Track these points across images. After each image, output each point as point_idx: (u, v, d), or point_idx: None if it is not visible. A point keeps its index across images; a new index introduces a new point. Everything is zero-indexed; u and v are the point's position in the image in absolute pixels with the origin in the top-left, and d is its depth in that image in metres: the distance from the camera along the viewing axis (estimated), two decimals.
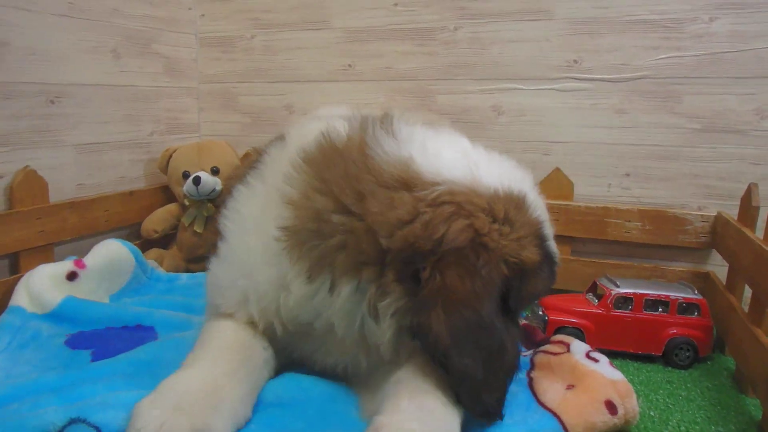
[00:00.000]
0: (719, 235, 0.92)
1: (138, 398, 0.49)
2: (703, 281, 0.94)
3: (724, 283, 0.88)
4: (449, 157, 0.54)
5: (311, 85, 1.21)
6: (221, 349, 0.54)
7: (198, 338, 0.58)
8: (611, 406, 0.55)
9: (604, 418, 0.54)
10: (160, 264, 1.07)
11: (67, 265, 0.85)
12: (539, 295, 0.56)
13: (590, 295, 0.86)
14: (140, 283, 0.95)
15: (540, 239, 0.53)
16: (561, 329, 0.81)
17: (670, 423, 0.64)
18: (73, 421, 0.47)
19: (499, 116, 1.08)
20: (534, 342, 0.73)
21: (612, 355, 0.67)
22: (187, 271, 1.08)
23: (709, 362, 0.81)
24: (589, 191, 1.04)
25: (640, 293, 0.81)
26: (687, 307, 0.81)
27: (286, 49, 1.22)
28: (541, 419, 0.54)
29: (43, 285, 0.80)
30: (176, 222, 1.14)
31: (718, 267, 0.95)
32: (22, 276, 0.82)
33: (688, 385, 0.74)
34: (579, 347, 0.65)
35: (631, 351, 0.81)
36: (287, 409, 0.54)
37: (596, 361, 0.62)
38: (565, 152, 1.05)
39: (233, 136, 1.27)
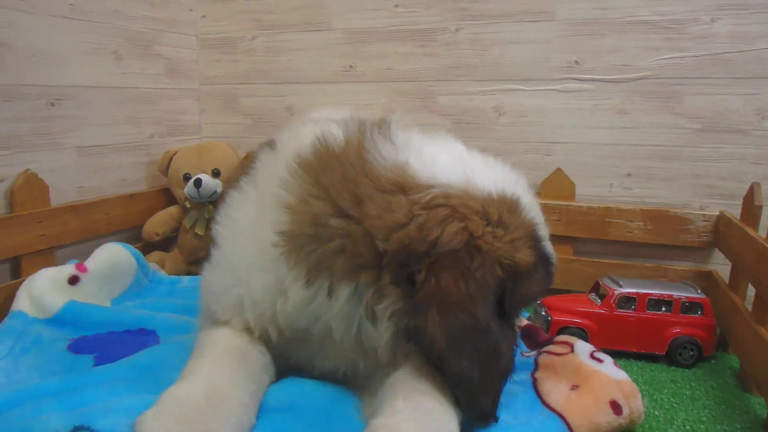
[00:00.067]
0: (721, 234, 0.92)
1: (141, 403, 0.49)
2: (706, 280, 0.94)
3: (727, 282, 0.88)
4: (444, 161, 0.54)
5: (312, 86, 1.21)
6: (220, 357, 0.54)
7: (195, 347, 0.58)
8: (616, 407, 0.55)
9: (608, 418, 0.54)
10: (162, 267, 1.06)
11: (69, 269, 0.85)
12: (535, 296, 0.57)
13: (593, 295, 0.86)
14: (142, 287, 0.95)
15: (534, 241, 0.54)
16: (564, 329, 0.81)
17: (675, 422, 0.64)
18: (77, 429, 0.47)
19: (501, 117, 1.08)
20: (537, 342, 0.73)
21: (615, 354, 0.67)
22: (189, 273, 1.08)
23: (712, 361, 0.81)
24: (590, 191, 1.04)
25: (643, 293, 0.81)
26: (690, 307, 0.81)
27: (287, 50, 1.22)
28: (545, 420, 0.54)
29: (44, 289, 0.79)
30: (177, 224, 1.13)
31: (720, 266, 0.95)
32: (23, 280, 0.81)
33: (693, 384, 0.74)
34: (583, 347, 0.65)
35: (635, 350, 0.81)
36: (290, 414, 0.53)
37: (600, 361, 0.62)
38: (567, 153, 1.05)
39: (234, 137, 1.27)
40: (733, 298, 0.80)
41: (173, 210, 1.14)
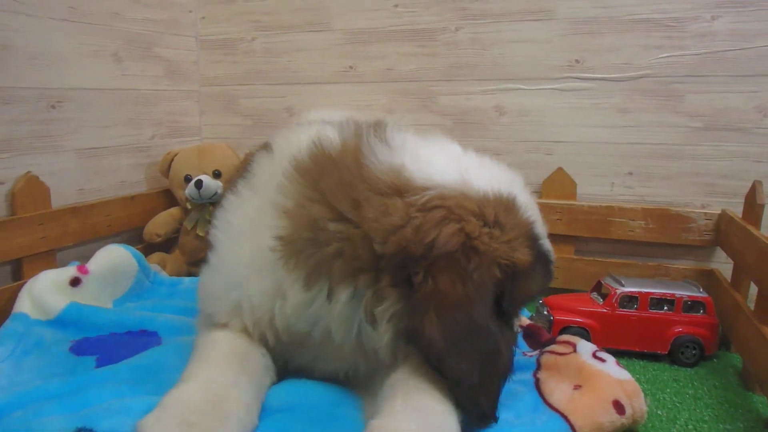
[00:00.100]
0: (723, 232, 0.92)
1: (143, 405, 0.49)
2: (708, 279, 0.94)
3: (729, 281, 0.88)
4: (440, 162, 0.54)
5: (312, 87, 1.21)
6: (220, 359, 0.54)
7: (194, 349, 0.58)
8: (619, 406, 0.55)
9: (611, 418, 0.54)
10: (163, 268, 1.06)
11: (70, 270, 0.85)
12: (534, 295, 0.56)
13: (595, 295, 0.86)
14: (143, 288, 0.95)
15: (532, 240, 0.53)
16: (566, 329, 0.81)
17: (678, 422, 0.64)
18: (79, 430, 0.47)
19: (501, 116, 1.08)
20: (540, 342, 0.73)
21: (617, 354, 0.67)
22: (190, 274, 1.08)
23: (715, 360, 0.81)
24: (592, 190, 1.04)
25: (645, 292, 0.81)
26: (692, 305, 0.81)
27: (287, 51, 1.22)
28: (549, 420, 0.54)
29: (46, 291, 0.79)
30: (178, 226, 1.13)
31: (722, 264, 0.95)
32: (25, 282, 0.81)
33: (695, 383, 0.74)
34: (585, 347, 0.64)
35: (637, 350, 0.81)
36: (293, 415, 0.53)
37: (603, 360, 0.62)
38: (568, 152, 1.05)
39: (234, 138, 1.27)
40: (736, 297, 0.80)
41: (174, 211, 1.14)
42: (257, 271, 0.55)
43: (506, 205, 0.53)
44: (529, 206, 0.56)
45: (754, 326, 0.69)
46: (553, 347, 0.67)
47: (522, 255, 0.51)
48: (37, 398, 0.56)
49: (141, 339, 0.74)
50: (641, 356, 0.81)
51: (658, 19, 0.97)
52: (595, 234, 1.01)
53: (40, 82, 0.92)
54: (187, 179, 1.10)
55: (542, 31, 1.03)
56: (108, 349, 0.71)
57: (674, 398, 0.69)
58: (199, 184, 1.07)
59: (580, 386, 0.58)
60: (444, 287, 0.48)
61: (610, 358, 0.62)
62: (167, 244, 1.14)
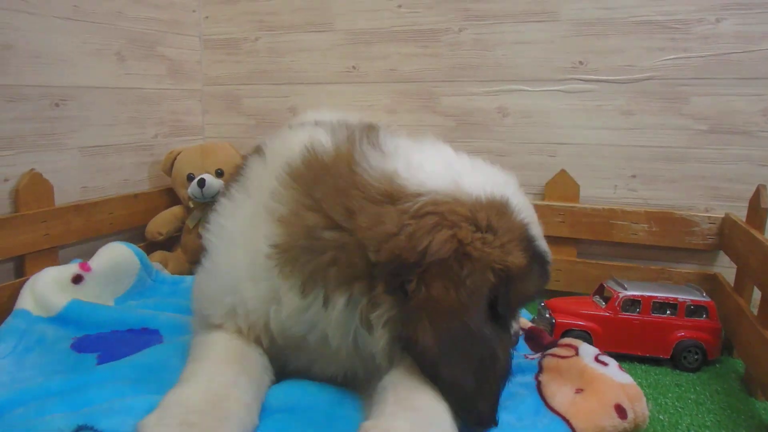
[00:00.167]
0: (727, 236, 0.91)
1: (144, 404, 0.49)
2: (711, 283, 0.93)
3: (732, 285, 0.87)
4: (433, 167, 0.54)
5: (315, 87, 1.21)
6: (219, 359, 0.54)
7: (192, 350, 0.58)
8: (621, 410, 0.54)
9: (613, 422, 0.54)
10: (165, 266, 1.07)
11: (73, 268, 0.85)
12: (531, 296, 0.56)
13: (597, 298, 0.86)
14: (145, 286, 0.95)
15: (527, 242, 0.53)
16: (568, 332, 0.80)
17: (680, 426, 0.63)
18: (80, 428, 0.47)
19: (504, 118, 1.08)
20: (541, 345, 0.72)
21: (619, 358, 0.66)
22: (192, 273, 1.07)
23: (717, 365, 0.81)
24: (595, 193, 1.03)
25: (648, 296, 0.80)
26: (695, 310, 0.80)
27: (290, 51, 1.22)
28: (550, 423, 0.54)
29: (48, 288, 0.79)
30: (181, 224, 1.14)
31: (725, 269, 0.94)
32: (27, 279, 0.82)
33: (697, 388, 0.73)
34: (587, 350, 0.64)
35: (639, 354, 0.80)
36: (293, 415, 0.53)
37: (605, 364, 0.61)
38: (571, 154, 1.04)
39: (237, 138, 1.27)
40: (739, 302, 0.80)
41: (176, 210, 1.14)
42: (252, 276, 0.55)
43: (499, 209, 0.53)
44: (523, 208, 0.55)
45: (757, 331, 0.69)
46: (555, 350, 0.66)
47: (516, 258, 0.51)
48: (39, 395, 0.56)
49: (142, 337, 0.75)
50: (643, 360, 0.81)
51: (662, 21, 0.96)
52: (598, 237, 1.01)
53: (43, 80, 0.92)
54: (190, 178, 1.10)
55: (546, 33, 1.03)
56: (109, 346, 0.72)
57: (676, 403, 0.69)
58: (201, 183, 1.07)
59: (582, 390, 0.58)
60: (437, 294, 0.48)
61: (612, 362, 0.62)
62: (169, 243, 1.15)
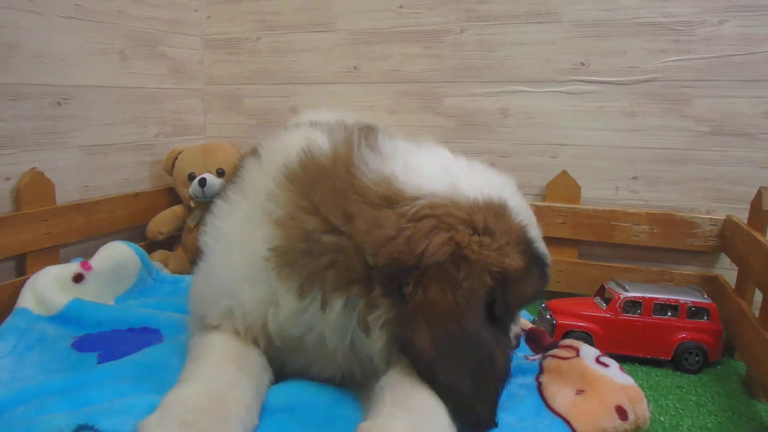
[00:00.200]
0: (728, 238, 0.91)
1: (145, 403, 0.49)
2: (712, 285, 0.93)
3: (733, 287, 0.87)
4: (430, 170, 0.54)
5: (316, 87, 1.21)
6: (218, 359, 0.54)
7: (190, 351, 0.58)
8: (622, 412, 0.54)
9: (614, 423, 0.54)
10: (166, 266, 1.07)
11: (73, 267, 0.85)
12: (530, 298, 0.55)
13: (598, 299, 0.86)
14: (146, 285, 0.95)
15: (524, 244, 0.53)
16: (569, 333, 0.80)
17: (681, 428, 0.63)
18: (80, 428, 0.47)
19: (506, 119, 1.08)
20: (542, 346, 0.72)
21: (620, 359, 0.66)
22: (192, 273, 1.08)
23: (718, 367, 0.81)
24: (596, 194, 1.03)
25: (649, 297, 0.80)
26: (696, 312, 0.80)
27: (291, 51, 1.22)
28: (551, 424, 0.54)
29: (49, 287, 0.79)
30: (181, 224, 1.14)
31: (726, 271, 0.94)
32: (28, 278, 0.82)
33: (698, 390, 0.73)
34: (588, 352, 0.64)
35: (640, 355, 0.80)
36: (294, 415, 0.53)
37: (606, 366, 0.61)
38: (573, 155, 1.04)
39: (238, 137, 1.27)
40: (740, 303, 0.80)
41: (177, 209, 1.14)
42: (249, 278, 0.55)
43: (496, 211, 0.53)
44: (520, 210, 0.55)
45: (759, 333, 0.69)
46: (556, 351, 0.66)
47: (513, 261, 0.51)
48: (39, 394, 0.56)
49: (143, 336, 0.75)
50: (644, 362, 0.81)
51: (664, 22, 0.96)
52: (599, 238, 1.00)
53: (46, 79, 0.92)
54: (191, 177, 1.10)
55: (548, 34, 1.03)
56: (110, 345, 0.72)
57: (677, 405, 0.69)
58: (202, 182, 1.07)
59: (582, 391, 0.58)
60: (434, 297, 0.48)
61: (613, 364, 0.61)
62: (170, 242, 1.15)
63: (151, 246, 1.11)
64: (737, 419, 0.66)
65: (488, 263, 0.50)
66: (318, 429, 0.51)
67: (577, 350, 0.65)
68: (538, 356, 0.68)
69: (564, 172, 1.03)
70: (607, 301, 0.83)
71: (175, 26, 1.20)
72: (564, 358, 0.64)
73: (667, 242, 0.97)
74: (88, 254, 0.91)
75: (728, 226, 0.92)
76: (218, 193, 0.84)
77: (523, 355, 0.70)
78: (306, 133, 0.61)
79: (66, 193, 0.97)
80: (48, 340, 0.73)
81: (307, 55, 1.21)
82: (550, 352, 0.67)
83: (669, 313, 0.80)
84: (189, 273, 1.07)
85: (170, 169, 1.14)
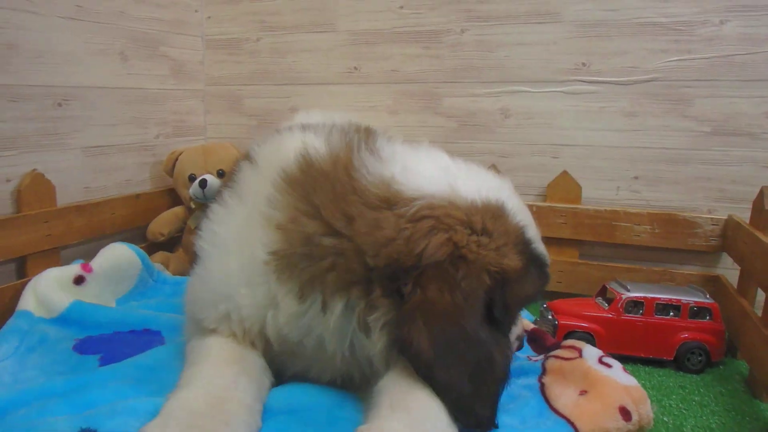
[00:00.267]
0: (730, 238, 0.91)
1: (147, 406, 0.49)
2: (713, 285, 0.93)
3: (735, 287, 0.87)
4: (428, 173, 0.55)
5: (317, 87, 1.21)
6: (218, 362, 0.54)
7: (188, 355, 0.58)
8: (625, 412, 0.54)
9: (618, 424, 0.53)
10: (167, 267, 1.06)
11: (74, 268, 0.85)
12: (529, 299, 0.55)
13: (600, 299, 0.85)
14: (147, 287, 0.95)
15: (523, 244, 0.54)
16: (571, 334, 0.80)
17: (684, 429, 0.63)
18: (83, 431, 0.47)
19: (507, 119, 1.08)
20: (544, 347, 0.72)
21: (623, 359, 0.66)
22: None
23: (721, 367, 0.81)
24: (597, 194, 1.03)
25: (651, 297, 0.80)
26: (699, 312, 0.80)
27: (291, 51, 1.22)
28: (554, 425, 0.54)
29: (50, 289, 0.79)
30: (182, 225, 1.13)
31: (728, 270, 0.94)
32: (29, 280, 0.81)
33: (701, 390, 0.73)
34: (591, 352, 0.64)
35: (642, 356, 0.80)
36: (296, 416, 0.53)
37: (609, 366, 0.61)
38: (574, 155, 1.04)
39: (239, 138, 1.27)
40: (742, 303, 0.79)
41: (178, 210, 1.14)
42: (247, 282, 0.55)
43: (494, 212, 0.53)
44: (518, 211, 0.56)
45: (761, 333, 0.69)
46: (559, 352, 0.66)
47: (511, 261, 0.51)
48: (41, 396, 0.56)
49: (144, 338, 0.74)
50: (646, 362, 0.81)
51: (665, 22, 0.96)
52: (600, 238, 1.00)
53: (46, 80, 0.92)
54: (192, 178, 1.10)
55: (548, 34, 1.03)
56: (111, 347, 0.71)
57: (680, 405, 0.69)
58: (203, 183, 1.07)
59: (586, 392, 0.57)
60: (432, 296, 0.48)
61: (616, 364, 0.61)
62: (171, 243, 1.14)
63: (152, 247, 1.11)
64: (740, 419, 0.66)
65: (486, 263, 0.50)
66: (319, 430, 0.51)
67: (579, 351, 0.65)
68: (541, 357, 0.68)
69: (565, 173, 1.03)
70: (609, 301, 0.83)
71: (176, 27, 1.20)
72: (567, 359, 0.64)
73: (668, 242, 0.97)
74: (89, 256, 0.91)
75: (730, 225, 0.92)
76: (214, 197, 0.84)
77: (525, 356, 0.70)
78: (301, 137, 0.61)
79: (67, 195, 0.97)
80: (49, 342, 0.73)
81: (307, 56, 1.21)
82: (553, 353, 0.67)
83: (671, 313, 0.80)
84: (190, 274, 1.08)
85: (171, 170, 1.13)
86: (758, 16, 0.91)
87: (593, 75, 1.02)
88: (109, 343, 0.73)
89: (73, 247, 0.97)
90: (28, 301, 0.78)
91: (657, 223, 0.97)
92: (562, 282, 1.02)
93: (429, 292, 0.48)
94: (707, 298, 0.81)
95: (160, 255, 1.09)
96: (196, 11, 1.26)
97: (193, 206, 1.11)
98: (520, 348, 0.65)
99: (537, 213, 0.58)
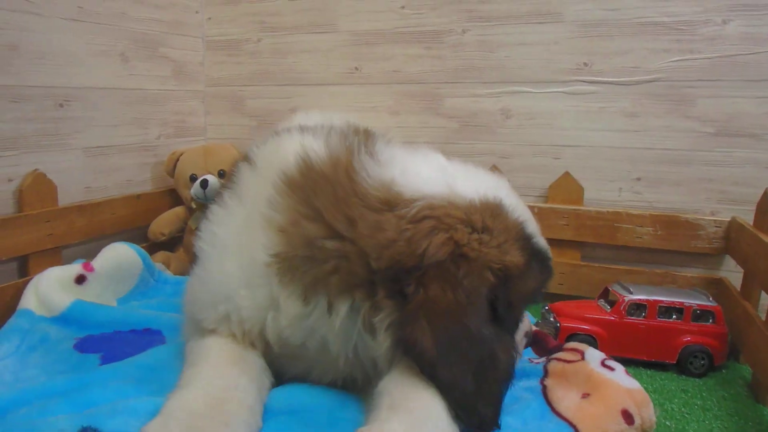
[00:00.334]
0: (733, 240, 0.90)
1: (148, 406, 0.49)
2: (716, 287, 0.92)
3: (739, 290, 0.87)
4: (427, 174, 0.56)
5: (318, 88, 1.21)
6: (218, 362, 0.54)
7: (188, 356, 0.58)
8: (628, 416, 0.54)
9: (620, 427, 0.53)
10: (168, 267, 1.07)
11: (76, 268, 0.85)
12: (533, 294, 0.55)
13: (602, 302, 0.85)
14: (148, 286, 0.95)
15: (523, 240, 0.54)
16: (573, 336, 0.80)
17: None
18: (84, 430, 0.47)
19: (508, 120, 1.08)
20: (546, 349, 0.72)
21: (625, 362, 0.66)
22: None
23: (724, 371, 0.80)
24: (599, 196, 1.03)
25: (654, 300, 0.79)
26: (701, 315, 0.80)
27: (292, 52, 1.22)
28: (556, 428, 0.53)
29: (51, 288, 0.80)
30: (183, 225, 1.14)
31: (731, 273, 0.93)
32: (30, 279, 0.82)
33: (704, 394, 0.73)
34: (594, 355, 0.63)
35: (645, 359, 0.80)
36: (297, 417, 0.53)
37: (612, 369, 0.60)
38: (575, 156, 1.04)
39: (239, 139, 1.27)
40: (745, 306, 0.79)
41: (179, 210, 1.14)
42: (247, 284, 0.55)
43: (493, 210, 0.53)
44: (516, 207, 0.56)
45: (765, 336, 0.68)
46: (561, 354, 0.66)
47: (513, 257, 0.51)
48: (42, 395, 0.56)
49: (145, 337, 0.75)
50: (649, 365, 0.80)
51: (667, 22, 0.96)
52: (602, 240, 1.00)
53: (47, 80, 0.93)
54: (193, 179, 1.10)
55: (550, 34, 1.02)
56: (112, 347, 0.72)
57: (683, 409, 0.68)
58: (204, 183, 1.07)
59: (588, 395, 0.57)
60: (434, 295, 0.48)
61: (619, 367, 0.61)
62: (172, 243, 1.15)
63: (153, 247, 1.11)
64: (743, 424, 0.65)
65: (488, 260, 0.50)
66: (321, 430, 0.51)
67: (582, 353, 0.64)
68: (543, 359, 0.68)
69: (566, 174, 1.03)
70: (612, 303, 0.82)
71: (176, 28, 1.20)
72: (569, 362, 0.63)
73: (670, 244, 0.96)
74: (91, 255, 0.91)
75: (733, 227, 0.91)
76: (213, 199, 0.84)
77: (527, 358, 0.70)
78: (300, 140, 0.61)
79: (68, 195, 0.97)
80: (51, 341, 0.73)
81: (308, 56, 1.21)
82: (555, 355, 0.66)
83: (674, 316, 0.80)
84: (189, 275, 1.08)
85: (172, 170, 1.14)
86: (761, 16, 0.91)
87: (595, 75, 1.01)
88: (109, 342, 0.73)
89: (75, 246, 0.98)
90: (29, 300, 0.78)
91: (659, 224, 0.96)
92: (564, 284, 1.01)
93: (431, 291, 0.48)
94: (710, 301, 0.81)
95: (161, 255, 1.09)
96: (196, 12, 1.26)
97: (194, 206, 1.11)
98: (527, 346, 0.65)
99: (538, 214, 0.58)
